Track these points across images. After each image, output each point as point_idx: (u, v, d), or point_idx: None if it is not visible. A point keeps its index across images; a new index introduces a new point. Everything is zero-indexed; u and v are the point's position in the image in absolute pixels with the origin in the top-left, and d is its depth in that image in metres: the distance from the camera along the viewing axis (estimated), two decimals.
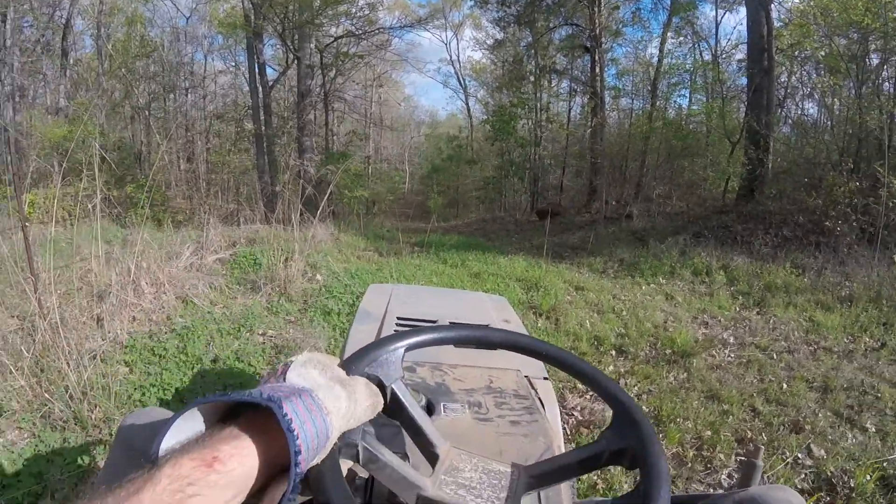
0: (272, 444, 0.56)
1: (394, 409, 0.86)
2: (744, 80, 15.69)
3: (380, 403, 0.76)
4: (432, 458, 0.88)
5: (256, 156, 16.96)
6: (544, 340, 1.03)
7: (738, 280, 7.95)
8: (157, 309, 5.31)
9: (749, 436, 3.74)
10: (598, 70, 18.40)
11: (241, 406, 0.58)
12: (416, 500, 0.81)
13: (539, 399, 1.52)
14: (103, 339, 4.47)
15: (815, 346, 5.55)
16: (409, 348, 0.92)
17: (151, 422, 1.20)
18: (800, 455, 3.50)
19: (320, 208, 7.40)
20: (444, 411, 1.27)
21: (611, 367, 4.90)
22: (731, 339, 5.69)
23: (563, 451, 1.23)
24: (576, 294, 7.34)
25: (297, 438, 0.54)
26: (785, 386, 4.53)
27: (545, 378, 1.72)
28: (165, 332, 4.87)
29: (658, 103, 19.02)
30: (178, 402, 3.93)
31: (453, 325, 1.19)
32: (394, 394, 0.85)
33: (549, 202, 19.44)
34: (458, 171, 24.58)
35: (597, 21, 17.67)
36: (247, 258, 7.08)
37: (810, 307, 6.73)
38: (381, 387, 0.83)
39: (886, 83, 12.08)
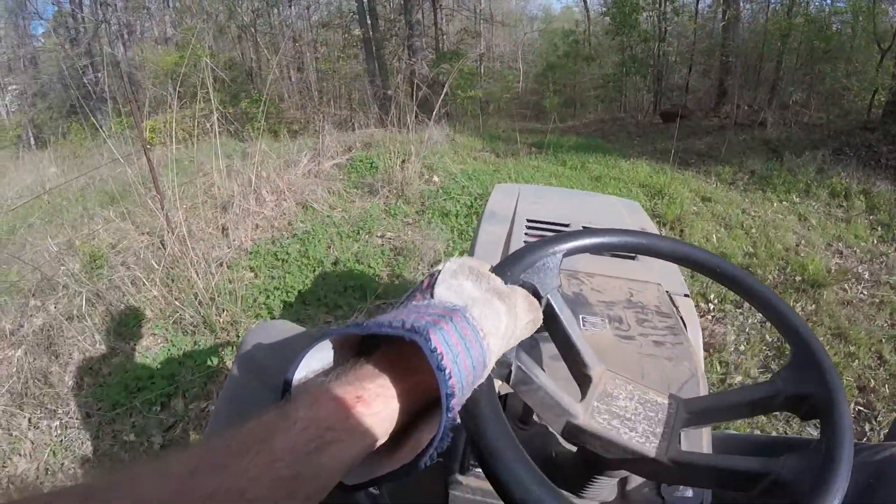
0: (421, 380, 0.48)
1: (547, 321, 0.77)
2: None
3: (539, 318, 0.67)
4: (584, 379, 0.79)
5: (366, 60, 16.83)
6: (719, 256, 0.93)
7: (879, 208, 7.01)
8: (278, 216, 5.38)
9: (872, 385, 3.36)
10: None
11: (383, 336, 0.48)
12: (563, 427, 0.73)
13: (681, 318, 1.40)
14: (228, 248, 4.59)
15: None
16: (569, 253, 0.83)
17: (275, 339, 1.18)
18: None
19: (435, 109, 7.17)
20: (584, 325, 1.18)
21: None
22: (867, 275, 5.06)
23: (705, 379, 1.17)
24: (702, 205, 6.81)
25: (450, 378, 0.46)
26: None
27: (686, 295, 1.58)
28: (287, 238, 4.94)
29: None
30: (301, 305, 3.99)
31: (618, 230, 0.98)
32: (549, 305, 0.76)
33: (674, 103, 18.22)
34: (575, 69, 23.52)
35: None
36: (363, 162, 7.01)
37: None
38: (537, 296, 0.73)
39: None
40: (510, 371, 0.68)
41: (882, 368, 3.58)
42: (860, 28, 13.83)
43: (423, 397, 0.50)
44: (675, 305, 1.46)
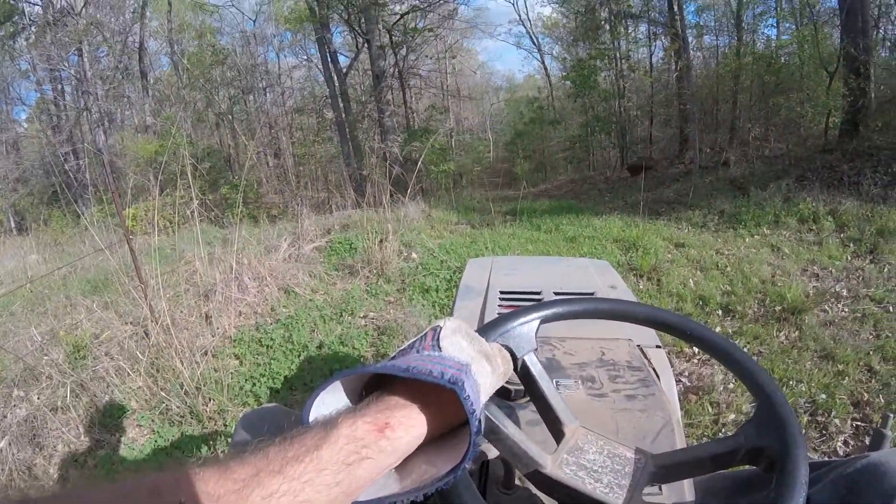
0: (437, 413, 0.59)
1: (525, 382, 0.88)
2: (835, 2, 14.49)
3: (510, 371, 0.77)
4: (558, 434, 0.86)
5: (340, 143, 17.23)
6: (686, 316, 1.03)
7: (848, 226, 7.28)
8: (260, 302, 5.44)
9: (865, 398, 3.44)
10: (676, 9, 17.47)
11: (394, 376, 0.60)
12: (533, 476, 0.80)
13: (653, 369, 1.45)
14: (213, 336, 4.63)
15: None
16: (545, 320, 0.92)
17: (267, 424, 1.22)
18: None
19: (409, 187, 7.36)
20: (558, 388, 1.20)
21: (718, 329, 4.59)
22: (844, 292, 5.21)
23: (681, 425, 1.21)
24: (676, 251, 6.97)
25: (476, 421, 0.56)
26: None
27: (658, 346, 1.63)
28: (271, 323, 4.98)
29: (745, 37, 17.87)
30: (288, 391, 4.03)
31: (592, 298, 1.18)
32: (525, 366, 0.86)
33: (640, 156, 18.73)
34: (542, 134, 24.13)
35: None
36: (342, 244, 7.12)
37: None
38: (514, 357, 0.84)
39: None
40: (481, 420, 0.70)
41: (874, 380, 3.66)
42: (807, 56, 14.39)
43: (439, 427, 0.60)
44: (646, 358, 1.50)
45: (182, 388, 3.73)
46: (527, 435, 0.81)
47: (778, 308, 4.88)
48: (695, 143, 15.22)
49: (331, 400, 0.60)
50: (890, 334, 4.27)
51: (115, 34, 17.52)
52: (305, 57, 22.54)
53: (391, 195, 7.63)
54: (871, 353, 3.97)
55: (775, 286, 5.40)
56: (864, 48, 11.46)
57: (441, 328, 0.68)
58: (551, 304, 0.97)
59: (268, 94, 22.40)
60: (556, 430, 0.87)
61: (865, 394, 3.48)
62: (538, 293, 2.00)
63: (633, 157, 18.87)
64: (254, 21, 21.95)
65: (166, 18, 18.58)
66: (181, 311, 4.76)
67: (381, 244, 6.56)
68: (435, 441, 0.60)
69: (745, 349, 4.14)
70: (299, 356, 4.44)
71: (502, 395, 0.99)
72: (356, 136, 16.64)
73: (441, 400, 0.59)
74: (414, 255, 6.67)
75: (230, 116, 19.44)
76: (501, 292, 2.03)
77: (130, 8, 18.26)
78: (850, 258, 6.29)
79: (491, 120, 34.06)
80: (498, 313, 1.78)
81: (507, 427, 0.78)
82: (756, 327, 4.53)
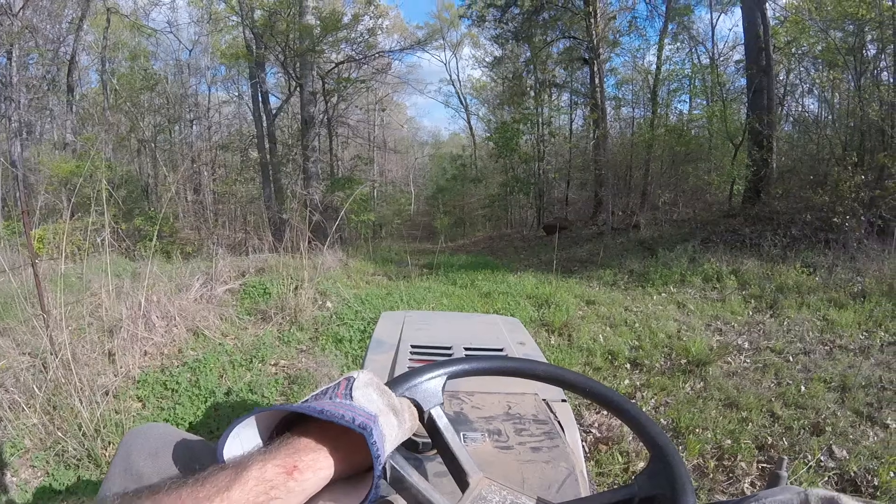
0: (344, 457, 0.63)
1: (431, 434, 0.90)
2: (743, 81, 15.77)
3: (416, 425, 0.83)
4: (463, 485, 0.88)
5: (262, 184, 17.06)
6: (587, 376, 1.04)
7: (750, 283, 7.87)
8: (168, 342, 5.31)
9: (770, 441, 3.68)
10: (597, 81, 18.39)
11: (306, 416, 0.65)
12: None
13: (558, 422, 1.51)
14: (115, 375, 4.46)
15: (831, 346, 5.50)
16: (452, 376, 0.95)
17: (154, 443, 1.17)
18: (822, 458, 3.45)
19: (329, 235, 7.40)
20: (465, 441, 1.24)
21: (626, 381, 4.86)
22: (746, 345, 5.62)
23: (585, 474, 1.26)
24: (587, 308, 7.28)
25: (379, 466, 0.62)
26: (803, 388, 4.49)
27: (563, 400, 1.71)
28: (177, 366, 4.86)
29: (659, 110, 18.94)
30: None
31: (497, 357, 1.19)
32: (431, 418, 0.89)
33: (556, 216, 19.38)
34: (464, 190, 24.67)
35: (594, 32, 17.66)
36: (256, 288, 7.08)
37: (823, 306, 6.67)
38: (420, 410, 0.87)
39: (885, 72, 12.20)
40: (385, 467, 0.77)
41: (776, 424, 3.92)
42: (715, 130, 15.65)
43: (345, 470, 0.65)
44: (552, 412, 1.55)
45: (80, 430, 3.58)
46: (434, 486, 0.82)
47: (683, 361, 5.19)
48: (608, 207, 15.89)
49: (246, 434, 0.64)
50: (790, 382, 4.64)
51: (48, 42, 16.91)
52: (237, 93, 22.41)
53: (309, 242, 7.64)
54: (772, 399, 4.28)
55: (681, 340, 5.74)
56: (768, 123, 12.49)
57: (354, 379, 0.73)
58: (458, 361, 1.00)
59: (194, 127, 22.04)
60: (462, 480, 0.89)
61: (769, 437, 3.73)
62: (449, 348, 2.06)
63: (549, 218, 19.53)
64: (190, 51, 21.71)
65: (102, 35, 18.07)
66: (83, 346, 4.56)
67: (295, 291, 6.57)
68: (341, 482, 0.65)
69: (652, 399, 4.44)
70: (206, 402, 4.34)
71: (410, 448, 1.00)
72: (279, 178, 16.56)
73: (349, 444, 0.64)
74: (329, 304, 6.69)
75: (153, 145, 18.99)
76: (413, 346, 2.09)
77: (68, 18, 17.68)
78: (751, 313, 6.78)
79: (414, 174, 34.41)
80: (408, 367, 1.81)
81: (412, 476, 0.80)
82: (663, 379, 4.78)
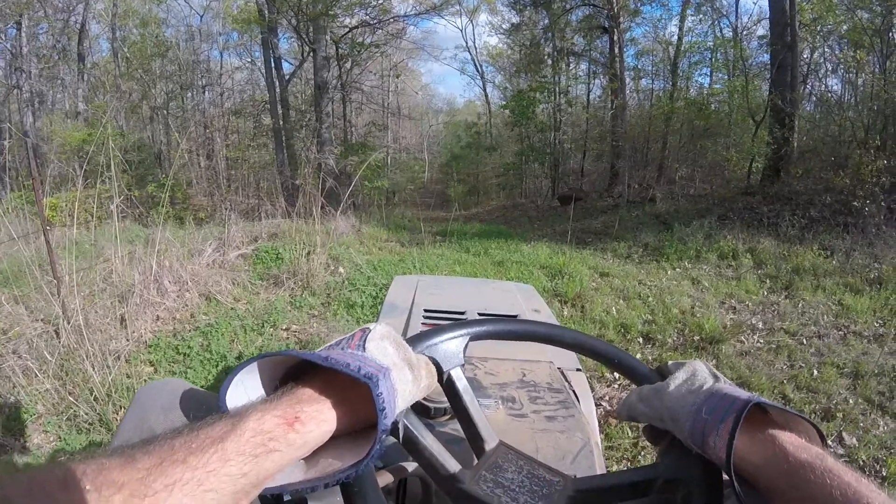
0: (349, 409, 0.61)
1: (449, 396, 0.89)
2: (766, 57, 15.52)
3: (433, 384, 0.80)
4: (479, 451, 0.87)
5: (276, 150, 16.97)
6: (614, 345, 1.01)
7: (766, 263, 7.75)
8: (180, 307, 5.32)
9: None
10: (617, 51, 18.07)
11: (314, 366, 0.62)
12: (450, 491, 0.80)
13: (573, 391, 1.48)
14: (128, 340, 4.48)
15: (845, 331, 5.41)
16: (474, 337, 0.93)
17: (167, 399, 1.18)
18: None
19: (342, 201, 7.33)
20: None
21: (638, 356, 4.75)
22: (760, 325, 5.55)
23: (599, 446, 1.23)
24: (601, 280, 7.21)
25: (386, 417, 0.59)
26: (815, 372, 4.43)
27: (578, 369, 1.68)
28: (189, 331, 4.87)
29: (679, 83, 18.65)
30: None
31: (522, 320, 1.21)
32: (450, 379, 0.87)
33: (571, 187, 19.17)
34: (478, 159, 24.42)
35: (615, 0, 17.32)
36: (269, 253, 7.06)
37: (839, 290, 6.55)
38: (439, 370, 0.85)
39: None
40: (398, 427, 0.75)
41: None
42: (736, 105, 15.26)
43: (351, 423, 0.62)
44: (567, 381, 1.52)
45: (92, 394, 3.60)
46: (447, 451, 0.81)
47: (696, 338, 5.12)
48: (624, 179, 15.76)
49: (251, 384, 0.62)
50: (803, 364, 4.58)
51: (57, 11, 16.79)
52: (249, 59, 22.21)
53: (322, 207, 7.59)
54: (784, 382, 4.24)
55: (694, 317, 5.67)
56: (790, 101, 12.15)
57: (370, 331, 0.70)
58: (482, 322, 0.97)
59: (207, 93, 21.93)
60: (478, 446, 0.87)
61: None
62: (462, 313, 2.04)
63: (564, 188, 19.33)
64: (201, 16, 21.47)
65: (112, 2, 17.93)
66: (96, 312, 4.56)
67: (308, 256, 6.53)
68: (345, 436, 0.62)
69: None
70: (217, 366, 4.35)
71: (422, 413, 1.00)
72: (292, 144, 16.45)
73: (355, 396, 0.61)
74: (341, 270, 6.66)
75: (166, 112, 18.93)
76: (426, 311, 2.06)
77: None
78: (766, 293, 6.68)
79: (429, 141, 34.12)
80: (419, 332, 1.86)
81: (426, 437, 0.78)
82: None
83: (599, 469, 1.09)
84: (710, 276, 7.45)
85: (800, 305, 6.15)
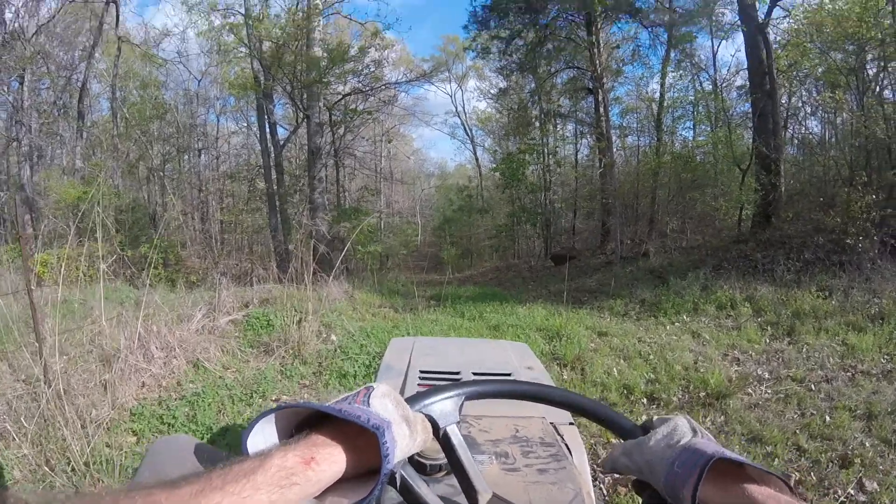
0: (357, 455, 0.67)
1: (446, 451, 0.92)
2: (746, 106, 15.91)
3: (429, 440, 0.84)
4: (472, 502, 0.90)
5: (269, 214, 17.02)
6: (604, 403, 1.09)
7: (765, 310, 7.71)
8: (167, 374, 5.18)
9: (798, 477, 3.51)
10: (602, 111, 18.42)
11: (326, 416, 0.69)
12: None
13: (566, 445, 1.51)
14: (111, 407, 4.32)
15: (853, 371, 5.35)
16: (468, 397, 0.97)
17: (178, 453, 1.25)
18: (852, 491, 3.29)
19: (335, 267, 7.27)
20: None
21: (643, 417, 4.65)
22: (766, 374, 5.45)
23: (592, 496, 1.28)
24: (599, 340, 7.07)
25: (388, 462, 0.65)
26: (828, 418, 4.31)
27: (571, 423, 1.71)
28: (175, 399, 4.73)
29: (664, 138, 18.95)
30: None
31: (513, 381, 1.24)
32: (446, 435, 0.91)
33: (563, 246, 19.31)
34: (470, 221, 24.65)
35: (598, 62, 17.71)
36: (259, 319, 6.91)
37: (842, 330, 6.51)
38: (435, 426, 0.90)
39: (887, 90, 12.21)
40: (396, 477, 0.81)
41: (803, 458, 3.73)
42: (721, 155, 15.42)
43: (356, 466, 0.67)
44: (559, 434, 1.55)
45: (69, 464, 3.45)
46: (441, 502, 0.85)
47: (702, 394, 4.98)
48: (616, 235, 15.81)
49: (268, 431, 0.68)
50: (814, 412, 4.45)
51: (60, 68, 17.05)
52: (245, 124, 22.52)
53: (315, 273, 7.52)
54: (797, 431, 4.10)
55: (698, 372, 5.54)
56: (774, 147, 12.41)
57: (373, 389, 0.76)
58: (476, 383, 1.01)
59: (203, 156, 22.12)
60: (472, 498, 0.90)
61: (797, 472, 3.54)
62: (457, 373, 2.05)
63: (556, 247, 19.48)
64: (199, 81, 21.83)
65: (113, 63, 18.20)
66: (79, 376, 4.44)
67: (299, 323, 6.40)
68: (351, 479, 0.67)
69: None
70: (203, 438, 4.16)
71: (419, 470, 1.01)
72: (286, 209, 16.52)
73: (362, 444, 0.67)
74: (333, 338, 6.54)
75: (162, 173, 19.03)
76: (421, 371, 2.08)
77: (80, 45, 17.85)
78: (768, 341, 6.59)
79: (421, 205, 34.55)
80: (417, 392, 1.88)
81: (420, 487, 0.82)
82: (677, 414, 4.54)
83: None
84: (710, 328, 7.38)
85: (804, 350, 6.08)
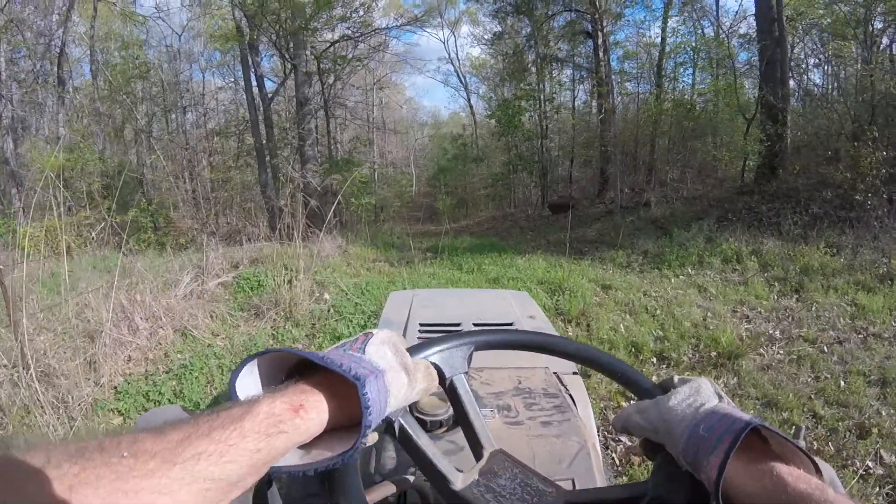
0: (343, 405, 0.65)
1: (452, 402, 0.91)
2: (744, 56, 15.88)
3: (432, 388, 0.83)
4: (478, 456, 0.87)
5: (258, 170, 16.63)
6: (620, 360, 0.99)
7: (772, 265, 7.49)
8: (153, 346, 4.97)
9: (815, 447, 3.36)
10: (601, 55, 17.94)
11: (314, 364, 0.67)
12: (441, 489, 0.81)
13: (570, 395, 1.51)
14: (96, 384, 4.11)
15: (864, 333, 5.18)
16: (478, 347, 0.94)
17: (168, 418, 1.16)
18: (870, 464, 3.15)
19: (325, 221, 7.00)
20: None
21: (654, 378, 4.44)
22: (778, 334, 5.26)
23: (598, 447, 1.28)
24: (604, 294, 6.86)
25: (370, 415, 0.63)
26: (842, 383, 4.15)
27: (575, 373, 1.71)
28: (162, 373, 4.50)
29: (665, 85, 18.54)
30: None
31: (526, 331, 1.18)
32: (452, 385, 0.89)
33: (561, 195, 19.03)
34: (465, 170, 24.41)
35: (598, 3, 17.17)
36: (250, 280, 6.66)
37: (851, 289, 6.32)
38: (441, 375, 0.87)
39: (894, 45, 12.10)
40: (395, 426, 0.80)
41: (819, 426, 3.61)
42: (723, 104, 15.06)
43: (342, 416, 0.65)
44: (563, 385, 1.54)
45: None
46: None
47: (713, 354, 4.80)
48: (616, 184, 15.51)
49: (255, 379, 0.65)
50: (828, 375, 4.32)
51: (38, 35, 16.49)
52: (232, 79, 21.93)
53: (308, 227, 7.26)
54: (812, 397, 3.96)
55: (708, 329, 5.36)
56: (782, 96, 12.05)
57: (373, 336, 0.74)
58: (487, 332, 0.99)
59: (190, 114, 21.58)
60: (477, 452, 0.88)
61: (815, 442, 3.44)
62: (458, 325, 2.06)
63: (553, 196, 19.21)
64: (180, 36, 21.09)
65: (90, 24, 17.59)
66: (62, 354, 4.23)
67: (290, 284, 6.13)
68: (337, 430, 0.65)
69: None
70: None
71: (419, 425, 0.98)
72: (276, 164, 16.14)
73: (348, 394, 0.64)
74: (326, 296, 6.31)
75: (148, 134, 18.56)
76: (421, 324, 2.08)
77: (58, 10, 17.23)
78: (777, 298, 6.40)
79: (415, 154, 34.37)
80: (425, 340, 1.89)
81: (420, 437, 0.81)
82: (693, 375, 4.37)
83: (597, 472, 1.11)
84: (717, 282, 7.18)
85: (813, 308, 5.91)
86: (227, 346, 5.08)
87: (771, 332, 5.32)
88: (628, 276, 7.78)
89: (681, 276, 7.57)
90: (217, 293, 6.38)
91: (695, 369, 4.60)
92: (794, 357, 4.70)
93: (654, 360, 4.85)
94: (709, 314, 5.91)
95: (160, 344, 4.98)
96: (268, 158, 16.14)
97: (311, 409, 0.61)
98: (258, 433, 0.54)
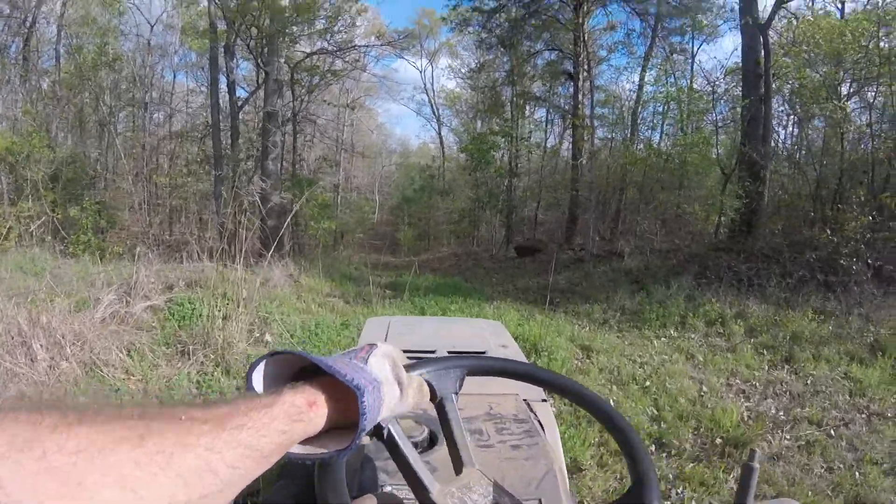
0: (344, 408, 0.70)
1: (440, 417, 0.95)
2: (726, 111, 16.03)
3: (423, 403, 0.90)
4: (457, 471, 0.91)
5: (214, 180, 15.62)
6: (598, 394, 1.05)
7: (758, 331, 7.19)
8: (52, 381, 4.12)
9: None
10: (581, 97, 17.84)
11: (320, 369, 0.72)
12: (419, 496, 0.85)
13: (539, 422, 1.56)
14: None
15: (867, 412, 4.95)
16: (472, 372, 1.00)
17: None
18: None
19: (272, 247, 6.23)
20: None
21: (658, 473, 3.85)
22: (781, 415, 4.88)
23: (564, 471, 1.35)
24: (584, 357, 6.32)
25: (365, 420, 0.68)
26: (857, 474, 3.86)
27: (544, 400, 1.77)
28: None
29: (639, 133, 18.65)
30: None
31: (521, 362, 1.28)
32: (442, 404, 0.94)
33: (527, 237, 18.69)
34: (430, 203, 24.28)
35: (583, 45, 17.05)
36: (182, 307, 5.81)
37: (843, 361, 6.10)
38: (433, 393, 0.92)
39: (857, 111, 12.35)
40: (384, 432, 0.83)
41: None
42: (698, 159, 14.96)
43: (341, 420, 0.70)
44: (532, 412, 1.59)
45: None
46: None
47: (718, 440, 4.34)
48: (588, 231, 15.22)
49: (267, 372, 0.70)
50: (841, 465, 4.03)
51: (14, 8, 15.59)
52: (205, 84, 21.12)
53: (260, 251, 6.46)
54: (830, 493, 3.67)
55: (706, 408, 4.94)
56: (763, 154, 11.98)
57: (376, 348, 0.79)
58: (481, 359, 1.11)
59: (150, 111, 20.54)
60: (458, 467, 0.91)
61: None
62: (433, 351, 2.07)
63: (518, 237, 18.93)
64: (152, 26, 20.05)
65: (61, 4, 16.69)
66: None
67: (225, 319, 5.23)
68: (335, 429, 0.70)
69: (693, 501, 3.59)
70: None
71: None
72: (233, 176, 15.26)
73: (349, 399, 0.68)
74: (268, 338, 5.49)
75: (109, 127, 17.49)
76: None
77: None
78: (767, 368, 6.18)
79: (380, 182, 34.33)
80: (422, 358, 1.63)
81: (406, 447, 0.84)
82: (699, 468, 3.89)
83: (564, 494, 1.15)
84: (703, 347, 6.81)
85: (809, 382, 5.63)
86: (138, 390, 4.25)
87: (774, 412, 4.94)
88: (608, 336, 7.26)
89: (663, 339, 7.15)
90: (143, 319, 5.51)
91: (700, 462, 4.03)
92: (803, 443, 4.35)
93: (653, 447, 4.29)
94: (703, 388, 5.47)
95: (60, 381, 4.13)
96: (225, 168, 15.24)
97: (321, 407, 0.66)
98: (285, 417, 0.60)
